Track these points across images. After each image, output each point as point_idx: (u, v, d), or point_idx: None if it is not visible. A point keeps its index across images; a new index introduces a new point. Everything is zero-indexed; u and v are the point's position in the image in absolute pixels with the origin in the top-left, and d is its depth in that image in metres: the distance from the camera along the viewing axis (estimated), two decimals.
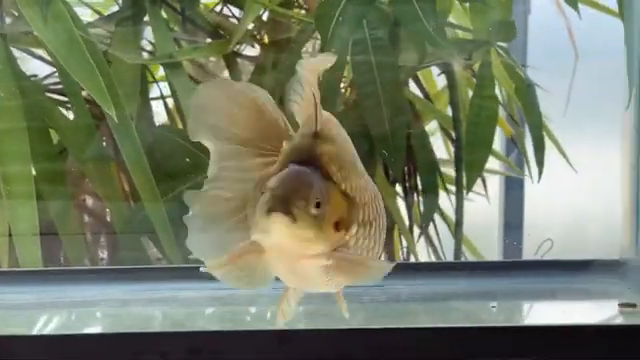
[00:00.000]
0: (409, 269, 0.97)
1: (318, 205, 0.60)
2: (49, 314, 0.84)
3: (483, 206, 1.43)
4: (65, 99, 1.30)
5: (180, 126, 1.31)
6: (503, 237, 1.50)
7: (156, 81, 1.36)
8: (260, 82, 1.30)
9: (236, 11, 1.40)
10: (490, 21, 1.21)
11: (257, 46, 1.38)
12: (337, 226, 0.61)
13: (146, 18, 1.31)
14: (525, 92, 1.21)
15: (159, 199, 1.14)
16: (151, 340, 0.72)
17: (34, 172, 1.14)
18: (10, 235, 1.09)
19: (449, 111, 1.36)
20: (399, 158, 1.17)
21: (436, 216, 1.37)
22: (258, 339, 0.72)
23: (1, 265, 1.08)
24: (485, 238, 1.48)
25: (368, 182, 0.65)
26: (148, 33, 1.33)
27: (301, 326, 0.77)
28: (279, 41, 1.33)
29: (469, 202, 1.34)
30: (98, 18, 1.30)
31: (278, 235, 0.59)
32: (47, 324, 0.83)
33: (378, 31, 1.15)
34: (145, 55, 1.33)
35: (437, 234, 1.36)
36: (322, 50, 1.16)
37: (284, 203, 0.59)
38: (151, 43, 1.35)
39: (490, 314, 0.83)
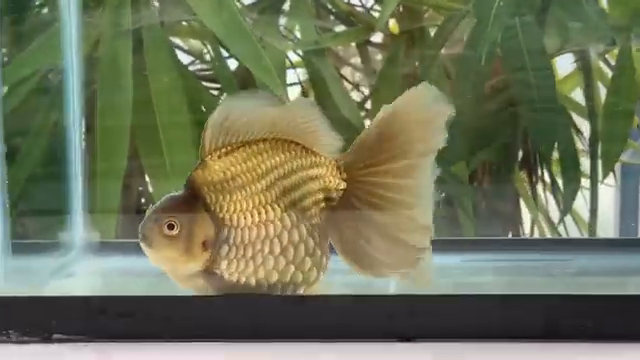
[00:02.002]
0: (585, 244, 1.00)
1: (172, 227, 0.66)
2: None
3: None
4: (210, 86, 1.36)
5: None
6: (620, 221, 1.52)
7: (294, 67, 1.40)
8: (394, 72, 1.34)
9: None
10: (630, 6, 1.23)
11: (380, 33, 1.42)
12: (204, 247, 0.68)
13: (285, 6, 1.36)
14: None
15: None
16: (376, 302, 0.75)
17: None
18: None
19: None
20: (550, 143, 1.20)
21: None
22: (477, 303, 0.75)
23: None
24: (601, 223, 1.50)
25: (274, 211, 0.69)
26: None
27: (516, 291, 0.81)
28: (411, 30, 1.37)
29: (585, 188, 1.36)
30: (242, 6, 1.34)
31: (152, 261, 0.68)
32: None
33: (527, 17, 1.18)
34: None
35: (564, 222, 1.39)
36: (473, 40, 1.18)
37: (141, 230, 0.67)
38: (286, 29, 1.40)
39: None
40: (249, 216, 0.68)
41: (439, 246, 0.93)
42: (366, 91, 1.49)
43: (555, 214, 1.40)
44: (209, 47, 1.33)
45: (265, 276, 0.69)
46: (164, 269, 0.69)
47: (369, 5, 1.44)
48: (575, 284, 0.86)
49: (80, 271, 0.87)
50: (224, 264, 0.68)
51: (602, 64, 1.36)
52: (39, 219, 1.00)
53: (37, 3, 1.25)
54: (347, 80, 1.45)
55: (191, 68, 1.40)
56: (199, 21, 1.25)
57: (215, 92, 1.37)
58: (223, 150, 0.69)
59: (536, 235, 1.37)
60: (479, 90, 1.21)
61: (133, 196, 1.24)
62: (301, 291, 0.71)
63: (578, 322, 0.73)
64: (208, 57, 1.40)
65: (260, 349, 0.72)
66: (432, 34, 1.36)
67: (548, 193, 1.41)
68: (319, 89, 1.34)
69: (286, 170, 0.70)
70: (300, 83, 1.41)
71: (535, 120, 1.17)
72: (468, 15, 1.24)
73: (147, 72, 1.18)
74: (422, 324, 0.73)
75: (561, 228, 1.35)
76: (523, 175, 1.39)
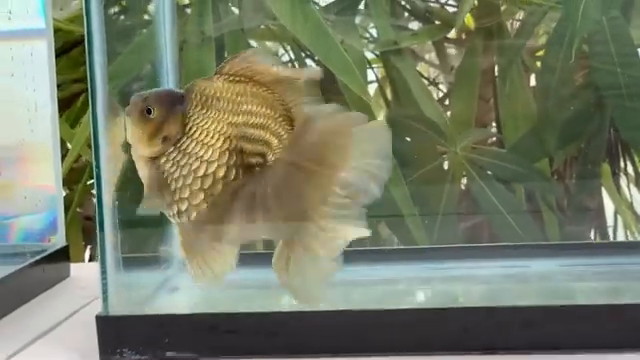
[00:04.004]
0: None
1: (150, 111, 0.72)
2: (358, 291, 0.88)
3: None
4: None
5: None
6: None
7: (371, 67, 1.40)
8: (473, 68, 1.33)
9: None
10: None
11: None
12: (164, 140, 0.72)
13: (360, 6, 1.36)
14: None
15: (403, 182, 1.18)
16: (490, 313, 0.75)
17: None
18: None
19: None
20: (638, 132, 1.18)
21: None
22: (590, 313, 0.74)
23: None
24: None
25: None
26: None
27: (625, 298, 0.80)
28: (488, 25, 1.35)
29: None
30: (319, 8, 1.34)
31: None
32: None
33: (613, 10, 1.16)
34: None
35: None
36: (558, 36, 1.17)
37: (131, 103, 0.73)
38: (362, 27, 1.39)
39: None
40: (200, 147, 0.71)
41: (532, 250, 0.93)
42: (440, 85, 1.48)
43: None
44: (289, 49, 1.33)
45: (182, 186, 0.71)
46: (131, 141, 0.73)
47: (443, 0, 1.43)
48: None
49: (183, 284, 0.88)
50: (163, 159, 0.72)
51: None
52: (135, 230, 1.01)
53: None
54: (423, 76, 1.45)
55: None
56: (278, 25, 1.26)
57: None
58: (231, 76, 0.72)
59: (620, 229, 1.36)
60: (565, 86, 1.20)
61: None
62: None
63: None
64: (284, 59, 1.40)
65: None
66: (509, 27, 1.36)
67: (632, 185, 1.39)
68: (396, 86, 1.34)
69: (256, 122, 0.72)
70: (377, 81, 1.40)
71: (622, 108, 1.16)
72: (551, 10, 1.22)
73: None
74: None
75: None
76: (606, 167, 1.37)
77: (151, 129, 0.72)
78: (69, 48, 1.35)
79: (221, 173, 0.71)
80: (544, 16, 1.24)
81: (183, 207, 0.71)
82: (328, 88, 1.28)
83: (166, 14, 1.05)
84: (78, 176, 1.35)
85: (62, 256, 0.99)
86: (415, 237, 1.17)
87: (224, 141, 0.71)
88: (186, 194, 0.71)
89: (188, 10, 1.33)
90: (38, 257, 0.94)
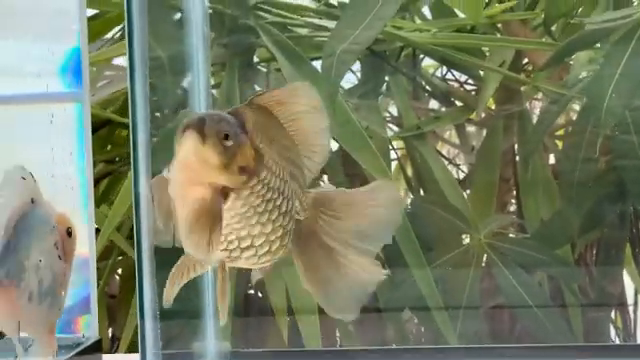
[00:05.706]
0: None
1: (228, 138, 0.65)
2: None
3: None
4: None
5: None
6: None
7: (393, 147, 1.42)
8: (494, 148, 1.35)
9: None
10: None
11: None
12: (242, 171, 0.66)
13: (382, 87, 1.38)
14: None
15: (426, 267, 1.19)
16: None
17: None
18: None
19: None
20: None
21: None
22: None
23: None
24: None
25: (294, 175, 0.69)
26: None
27: None
28: (508, 109, 1.38)
29: None
30: (343, 91, 1.37)
31: (186, 150, 0.65)
32: None
33: (635, 100, 1.18)
34: None
35: None
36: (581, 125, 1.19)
37: (200, 123, 0.65)
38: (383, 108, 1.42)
39: None
40: (279, 167, 0.67)
41: (554, 351, 0.94)
42: (460, 162, 1.50)
43: None
44: None
45: (264, 221, 0.68)
46: (188, 165, 0.65)
47: (462, 79, 1.45)
48: None
49: None
50: (246, 192, 0.66)
51: None
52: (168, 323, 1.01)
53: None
54: (442, 155, 1.47)
55: None
56: None
57: None
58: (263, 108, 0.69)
59: None
60: (587, 174, 1.21)
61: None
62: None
63: None
64: None
65: None
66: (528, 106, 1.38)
67: None
68: (417, 167, 1.36)
69: (294, 159, 0.70)
70: (398, 159, 1.42)
71: None
72: (573, 100, 1.25)
73: None
74: None
75: None
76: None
77: (228, 157, 0.65)
78: (98, 127, 1.36)
79: (294, 212, 0.68)
80: (567, 105, 1.26)
81: (258, 242, 0.68)
82: (349, 167, 1.30)
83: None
84: (106, 254, 1.36)
85: (95, 349, 0.99)
86: (439, 325, 1.18)
87: (290, 176, 0.68)
88: (268, 229, 0.68)
89: (214, 91, 1.36)
90: (73, 353, 0.94)
